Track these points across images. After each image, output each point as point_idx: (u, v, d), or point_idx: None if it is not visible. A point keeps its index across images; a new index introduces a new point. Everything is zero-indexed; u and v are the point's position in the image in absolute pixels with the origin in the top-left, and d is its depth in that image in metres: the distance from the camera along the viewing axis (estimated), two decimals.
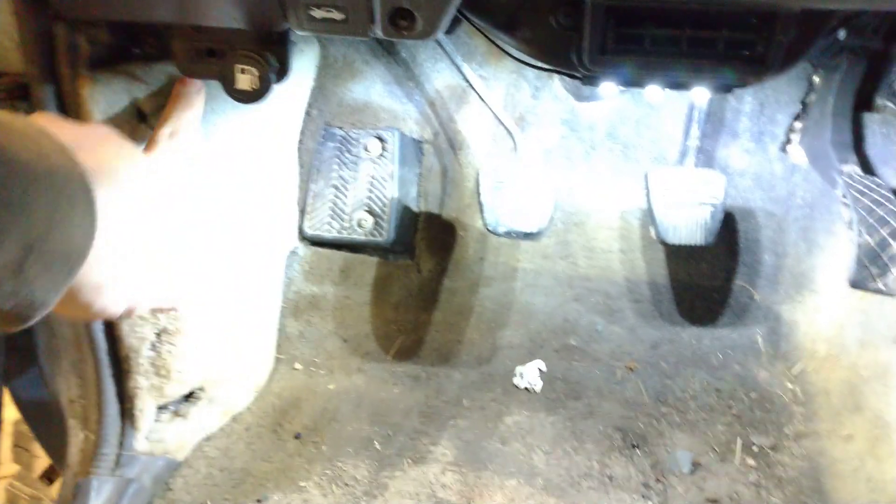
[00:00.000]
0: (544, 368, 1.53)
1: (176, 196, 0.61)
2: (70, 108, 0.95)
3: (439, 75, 1.67)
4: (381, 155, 1.60)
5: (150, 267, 0.56)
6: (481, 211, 1.45)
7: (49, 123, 0.48)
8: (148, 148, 0.83)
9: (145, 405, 1.16)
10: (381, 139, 1.61)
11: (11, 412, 1.40)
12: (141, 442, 1.19)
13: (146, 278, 0.55)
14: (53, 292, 0.42)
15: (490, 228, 1.43)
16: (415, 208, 1.68)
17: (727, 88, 0.96)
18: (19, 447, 2.11)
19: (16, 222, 0.37)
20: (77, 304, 0.49)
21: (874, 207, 1.25)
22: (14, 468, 2.19)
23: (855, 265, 1.22)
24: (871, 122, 1.44)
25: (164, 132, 0.84)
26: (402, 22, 0.87)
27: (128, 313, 0.56)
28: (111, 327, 1.09)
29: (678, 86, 0.96)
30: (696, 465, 1.32)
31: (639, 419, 1.42)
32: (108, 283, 0.50)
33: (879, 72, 1.44)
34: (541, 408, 1.45)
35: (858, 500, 1.22)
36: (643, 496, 1.26)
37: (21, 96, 0.99)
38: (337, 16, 0.85)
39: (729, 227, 1.64)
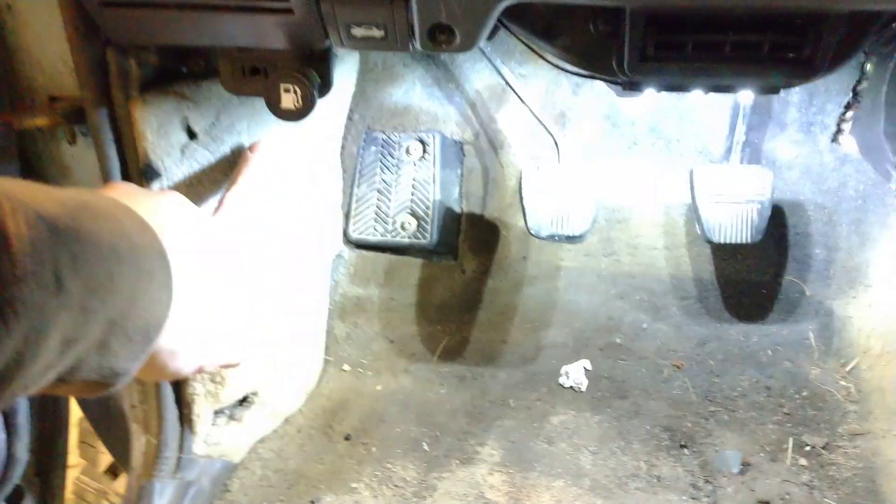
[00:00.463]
0: (589, 367, 1.53)
1: (243, 258, 0.63)
2: (124, 130, 0.98)
3: (478, 76, 1.68)
4: (423, 157, 1.62)
5: (219, 329, 0.58)
6: (524, 215, 1.45)
7: (127, 196, 0.51)
8: (217, 210, 0.85)
9: (202, 410, 1.20)
10: (422, 142, 1.62)
11: (76, 412, 1.47)
12: (199, 445, 1.23)
13: (215, 340, 0.58)
14: (133, 362, 0.44)
15: (533, 233, 1.43)
16: (457, 209, 1.69)
17: (773, 90, 0.94)
18: (84, 443, 2.20)
19: (103, 303, 0.39)
20: (153, 369, 0.52)
21: None
22: (80, 463, 2.29)
23: None
24: None
25: (233, 195, 0.85)
26: (441, 36, 0.87)
27: (198, 371, 0.58)
28: None
29: (722, 89, 0.95)
30: (745, 465, 1.31)
31: (686, 418, 1.41)
32: (182, 347, 0.53)
33: None
34: (587, 407, 1.45)
35: None
36: (692, 497, 1.25)
37: (77, 119, 1.04)
38: (377, 33, 0.87)
39: (777, 220, 1.61)
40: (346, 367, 1.57)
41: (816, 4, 0.79)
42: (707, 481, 1.28)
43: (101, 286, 0.39)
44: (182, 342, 0.53)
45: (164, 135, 1.01)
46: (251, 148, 0.98)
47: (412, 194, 1.61)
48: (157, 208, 0.53)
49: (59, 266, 0.36)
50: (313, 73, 0.97)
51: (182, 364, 0.55)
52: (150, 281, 0.44)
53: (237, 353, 0.63)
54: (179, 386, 1.18)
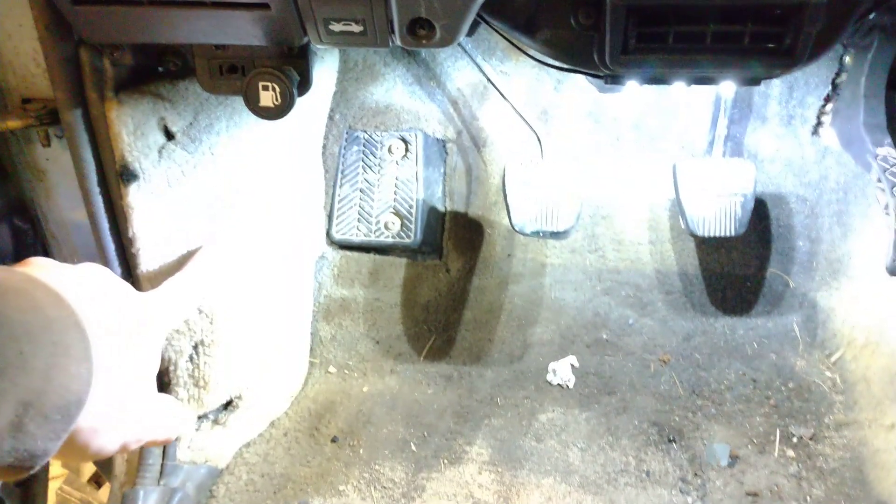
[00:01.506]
0: (577, 364, 1.53)
1: (157, 339, 0.62)
2: (99, 131, 0.96)
3: (460, 73, 1.67)
4: (405, 156, 1.61)
5: (143, 403, 0.56)
6: (508, 213, 1.44)
7: (41, 270, 0.48)
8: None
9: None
10: (404, 141, 1.61)
11: None
12: (183, 451, 1.21)
13: (139, 414, 0.55)
14: (53, 442, 0.42)
15: (517, 230, 1.42)
16: (441, 208, 1.68)
17: (755, 81, 0.94)
18: None
19: (13, 383, 0.37)
20: (73, 449, 0.49)
21: None
22: (63, 473, 2.25)
23: (892, 252, 1.19)
24: None
25: (171, 284, 0.83)
26: (420, 31, 0.86)
27: (122, 450, 0.56)
28: None
29: (704, 81, 0.94)
30: (734, 458, 1.31)
31: (674, 413, 1.41)
32: (104, 424, 0.50)
33: None
34: (575, 404, 1.45)
35: None
36: (681, 491, 1.25)
37: (51, 121, 1.02)
38: (356, 28, 0.86)
39: (760, 213, 1.62)
40: (331, 368, 1.55)
41: None
42: (696, 475, 1.28)
43: (9, 365, 0.37)
44: (104, 418, 0.50)
45: (140, 136, 0.99)
46: (210, 244, 0.99)
47: (395, 194, 1.60)
48: (75, 280, 0.50)
49: None
50: (292, 70, 0.96)
51: (105, 441, 0.51)
52: (66, 357, 0.41)
53: (164, 428, 0.60)
54: (162, 391, 1.16)
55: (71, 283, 0.49)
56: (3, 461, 0.40)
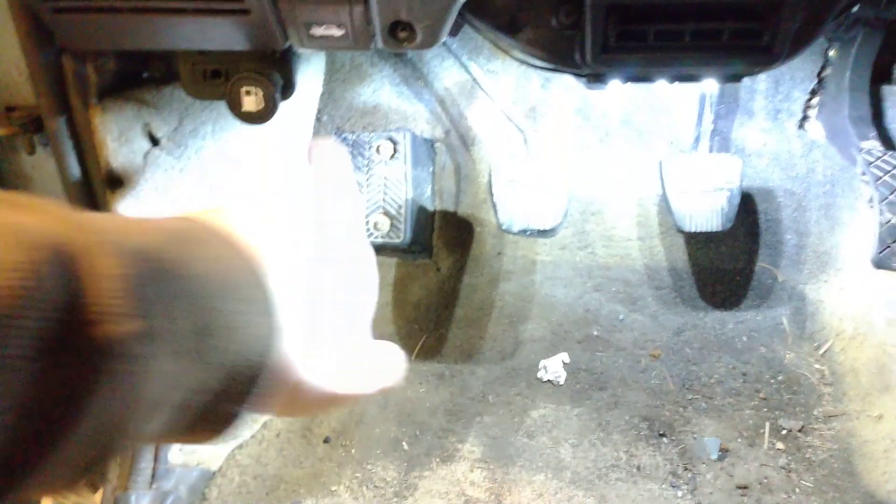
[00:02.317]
0: (568, 360, 1.53)
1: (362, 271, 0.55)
2: (83, 138, 0.97)
3: (447, 73, 1.67)
4: (394, 156, 1.61)
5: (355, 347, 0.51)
6: (495, 210, 1.45)
7: (226, 216, 0.46)
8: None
9: None
10: (392, 141, 1.61)
11: None
12: (175, 454, 1.21)
13: (354, 360, 0.50)
14: (254, 407, 0.41)
15: (505, 228, 1.43)
16: (430, 207, 1.69)
17: (736, 78, 0.95)
18: None
19: (211, 346, 0.36)
20: (299, 402, 0.47)
21: None
22: None
23: (877, 245, 1.20)
24: (891, 94, 1.41)
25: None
26: (402, 34, 0.87)
27: (348, 399, 0.51)
28: None
29: (686, 78, 0.95)
30: (724, 451, 1.32)
31: (665, 407, 1.42)
32: (318, 372, 0.47)
33: None
34: (566, 400, 1.45)
35: (891, 481, 1.21)
36: (672, 485, 1.26)
37: (35, 129, 1.02)
38: (336, 32, 0.86)
39: (748, 208, 1.62)
40: None
41: None
42: (686, 469, 1.29)
43: (206, 326, 0.36)
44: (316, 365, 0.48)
45: (125, 142, 0.99)
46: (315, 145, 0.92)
47: (384, 194, 1.60)
48: (258, 221, 0.47)
49: (158, 307, 0.33)
50: (275, 74, 0.96)
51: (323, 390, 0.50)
52: (249, 312, 0.40)
53: (385, 373, 0.55)
54: None
55: (257, 228, 0.45)
56: (217, 428, 0.39)
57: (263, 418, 1.41)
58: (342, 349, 0.49)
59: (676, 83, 0.98)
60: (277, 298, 0.41)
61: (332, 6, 0.82)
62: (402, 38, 0.87)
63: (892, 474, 1.22)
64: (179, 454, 1.22)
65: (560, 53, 0.94)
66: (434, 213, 1.69)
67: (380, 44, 0.88)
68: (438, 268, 1.68)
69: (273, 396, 0.41)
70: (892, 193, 1.22)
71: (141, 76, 1.05)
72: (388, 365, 0.55)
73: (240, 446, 1.36)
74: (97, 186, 0.99)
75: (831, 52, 1.52)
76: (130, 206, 1.01)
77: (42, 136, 1.03)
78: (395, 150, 1.61)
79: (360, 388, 0.51)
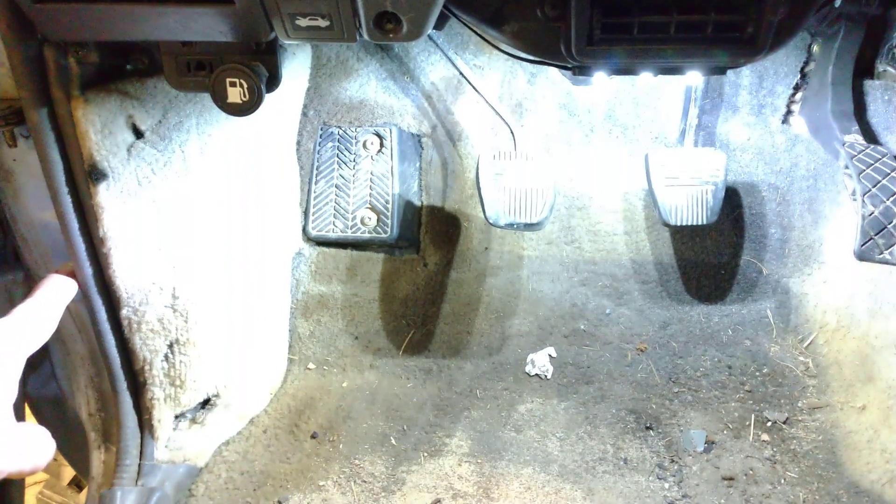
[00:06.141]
0: (555, 354, 1.54)
1: (8, 369, 0.61)
2: (66, 130, 0.95)
3: (434, 68, 1.67)
4: (380, 151, 1.60)
5: None
6: (482, 205, 1.45)
7: None
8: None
9: (163, 415, 1.18)
10: (379, 136, 1.61)
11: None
12: (161, 451, 1.20)
13: None
14: None
15: (491, 222, 1.43)
16: (417, 202, 1.68)
17: (720, 70, 0.95)
18: None
19: None
20: None
21: (878, 177, 1.24)
22: (43, 476, 2.23)
23: (860, 237, 1.21)
24: (872, 89, 1.43)
25: (21, 312, 0.81)
26: (387, 25, 0.86)
27: None
28: (124, 342, 1.10)
29: (670, 71, 0.96)
30: (710, 444, 1.33)
31: (651, 400, 1.42)
32: None
33: (878, 37, 1.42)
34: (553, 394, 1.46)
35: (874, 471, 1.22)
36: (658, 477, 1.27)
37: (16, 121, 1.00)
38: (322, 23, 0.85)
39: (733, 202, 1.63)
40: (311, 365, 1.55)
41: None
42: (672, 461, 1.30)
43: None
44: None
45: (108, 134, 0.98)
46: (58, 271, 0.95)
47: (371, 189, 1.60)
48: None
49: None
50: (260, 66, 0.95)
51: None
52: None
53: (22, 459, 0.58)
54: (138, 391, 1.15)
55: None
56: None
57: (249, 414, 1.40)
58: None
59: (661, 76, 0.98)
60: None
61: None
62: (387, 30, 0.87)
63: (874, 464, 1.23)
64: (165, 451, 1.21)
65: (545, 46, 0.94)
66: (421, 208, 1.69)
67: (366, 35, 0.87)
68: (425, 263, 1.68)
69: None
70: (874, 186, 1.23)
71: (125, 68, 1.04)
72: (33, 447, 0.59)
73: (227, 442, 1.35)
74: (80, 179, 0.98)
75: (814, 48, 1.53)
76: (114, 199, 1.00)
77: (24, 128, 1.02)
78: (381, 146, 1.60)
79: None
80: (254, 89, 0.91)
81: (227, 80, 0.90)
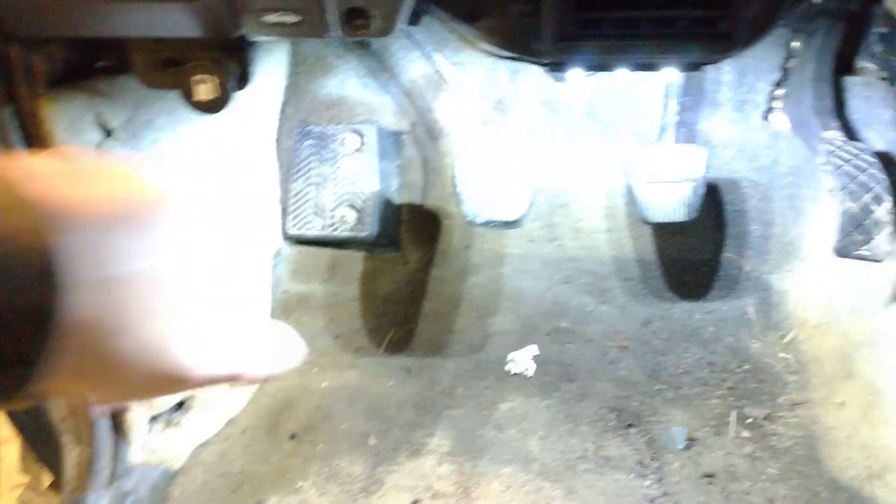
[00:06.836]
0: (537, 353, 1.53)
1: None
2: (31, 129, 0.94)
3: (414, 65, 1.66)
4: (360, 149, 1.59)
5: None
6: (460, 202, 1.44)
7: (21, 168, 0.41)
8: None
9: (136, 417, 1.16)
10: (358, 133, 1.60)
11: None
12: (135, 453, 1.19)
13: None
14: (40, 370, 0.37)
15: (469, 219, 1.42)
16: (397, 200, 1.67)
17: (696, 67, 0.95)
18: (28, 458, 2.12)
19: None
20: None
21: (857, 173, 1.24)
22: (24, 479, 2.21)
23: (839, 233, 1.21)
24: (853, 85, 1.43)
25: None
26: (358, 21, 0.85)
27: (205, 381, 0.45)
28: None
29: (646, 67, 0.95)
30: (691, 441, 1.33)
31: (633, 398, 1.42)
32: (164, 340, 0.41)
33: (859, 34, 1.42)
34: (535, 392, 1.45)
35: (853, 467, 1.22)
36: (639, 475, 1.27)
37: None
38: (291, 18, 0.84)
39: (715, 198, 1.63)
40: None
41: None
42: (653, 458, 1.30)
43: None
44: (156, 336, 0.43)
45: (76, 133, 0.97)
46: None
47: (350, 187, 1.58)
48: (60, 175, 0.42)
49: None
50: (231, 63, 0.94)
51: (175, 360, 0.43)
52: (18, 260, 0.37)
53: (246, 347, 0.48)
54: None
55: (61, 182, 0.40)
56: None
57: (226, 415, 1.39)
58: (227, 329, 0.43)
59: (637, 71, 0.98)
60: (65, 252, 0.36)
61: None
62: (357, 25, 0.86)
63: (854, 460, 1.23)
64: (140, 452, 1.20)
65: (519, 42, 0.93)
66: (401, 206, 1.68)
67: (336, 31, 0.86)
68: (406, 261, 1.66)
69: (63, 357, 0.36)
70: (851, 182, 1.23)
71: (94, 66, 1.02)
72: (285, 347, 0.50)
73: (204, 444, 1.34)
74: None
75: (795, 44, 1.53)
76: None
77: None
78: (361, 143, 1.59)
79: (250, 369, 0.46)
80: (222, 86, 0.89)
81: (194, 77, 0.89)
